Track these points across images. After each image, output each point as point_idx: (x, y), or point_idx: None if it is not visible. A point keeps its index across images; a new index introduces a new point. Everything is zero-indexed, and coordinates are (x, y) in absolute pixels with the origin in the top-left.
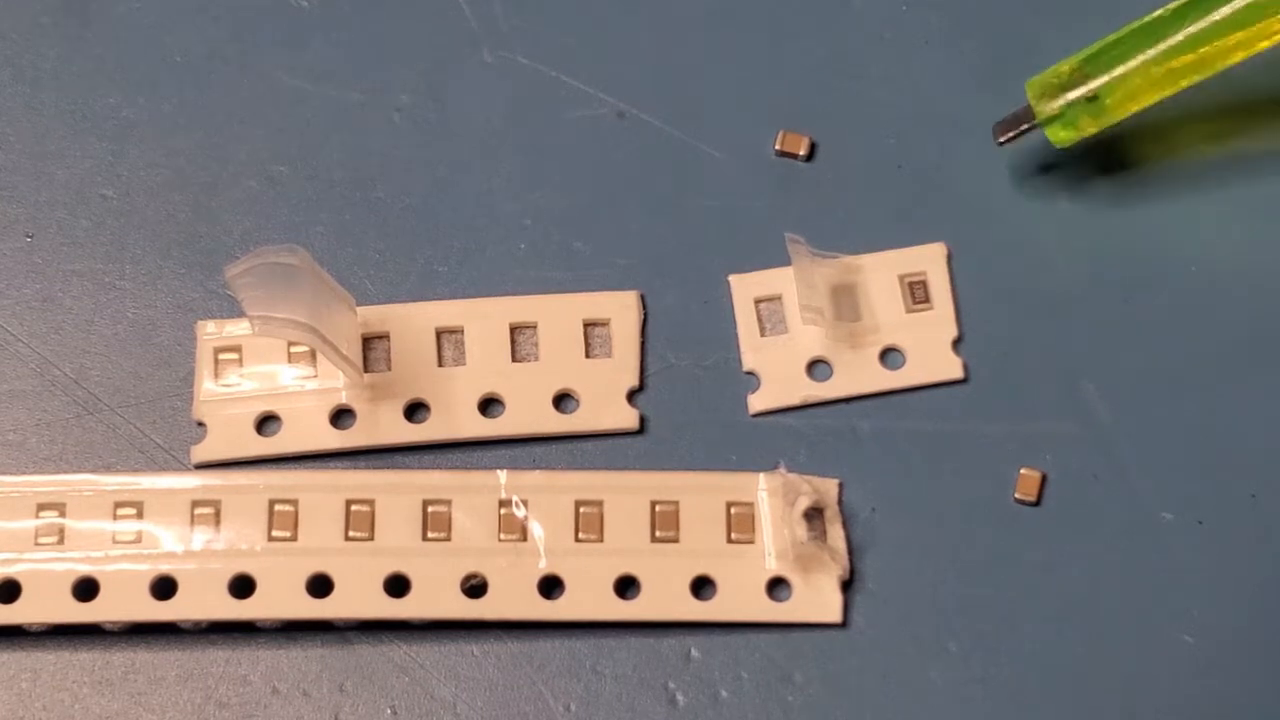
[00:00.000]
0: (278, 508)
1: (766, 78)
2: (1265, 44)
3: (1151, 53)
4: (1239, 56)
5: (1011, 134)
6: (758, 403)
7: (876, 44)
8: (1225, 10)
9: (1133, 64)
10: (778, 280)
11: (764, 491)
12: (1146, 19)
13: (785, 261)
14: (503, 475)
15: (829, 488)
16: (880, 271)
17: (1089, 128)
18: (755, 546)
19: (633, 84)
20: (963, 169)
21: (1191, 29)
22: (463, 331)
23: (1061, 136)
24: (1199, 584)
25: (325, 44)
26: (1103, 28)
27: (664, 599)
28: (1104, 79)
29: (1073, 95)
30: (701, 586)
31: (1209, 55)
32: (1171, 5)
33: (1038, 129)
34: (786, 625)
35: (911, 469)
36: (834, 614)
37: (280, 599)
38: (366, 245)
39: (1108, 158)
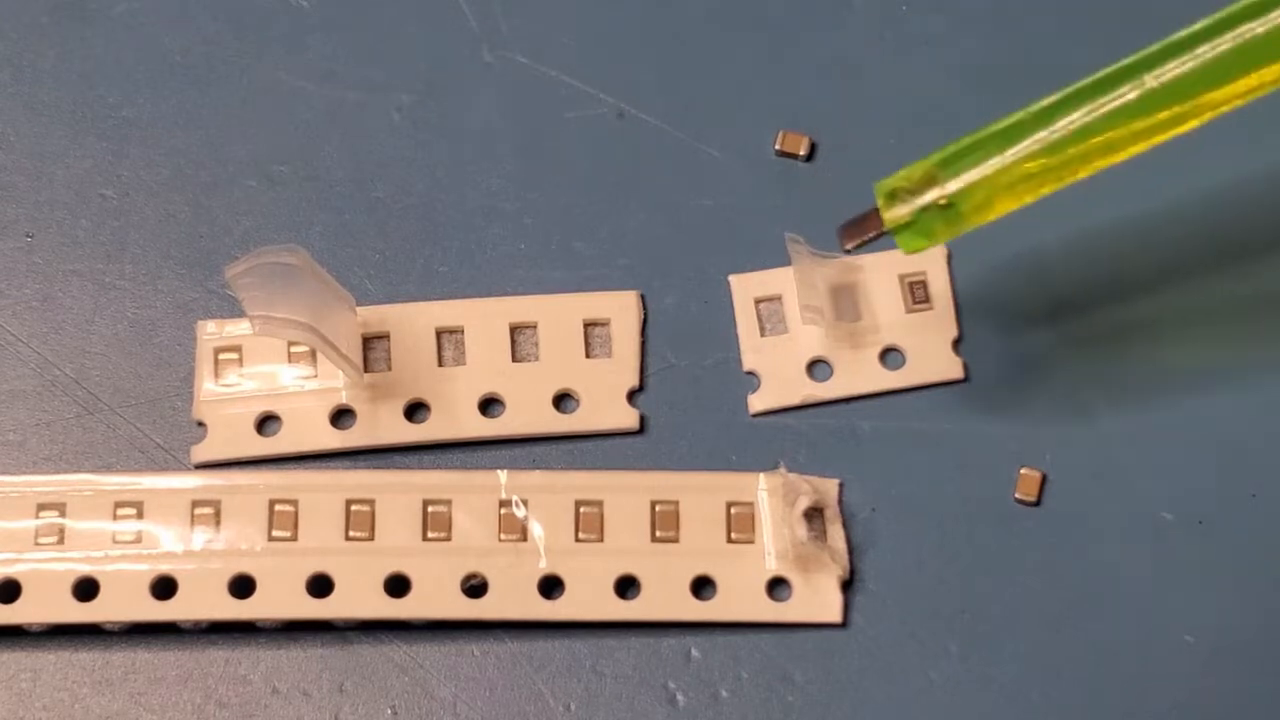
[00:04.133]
0: (278, 508)
1: (766, 78)
2: (1130, 151)
3: (1010, 156)
4: (1101, 163)
5: (858, 241)
6: (758, 403)
7: (876, 44)
8: (1087, 114)
9: (989, 168)
10: (778, 280)
11: (764, 491)
12: (1005, 122)
13: (785, 261)
14: (503, 475)
15: (829, 488)
16: (880, 271)
17: (943, 235)
18: (755, 546)
19: (633, 84)
20: None
21: (1053, 133)
22: (463, 331)
23: (912, 245)
24: (1199, 584)
25: (325, 44)
26: (1103, 28)
27: (664, 599)
28: (959, 184)
29: (925, 200)
30: (701, 586)
31: (1070, 160)
32: (1032, 108)
33: (887, 236)
34: (786, 625)
35: (911, 469)
36: (834, 614)
37: (280, 599)
38: (366, 245)
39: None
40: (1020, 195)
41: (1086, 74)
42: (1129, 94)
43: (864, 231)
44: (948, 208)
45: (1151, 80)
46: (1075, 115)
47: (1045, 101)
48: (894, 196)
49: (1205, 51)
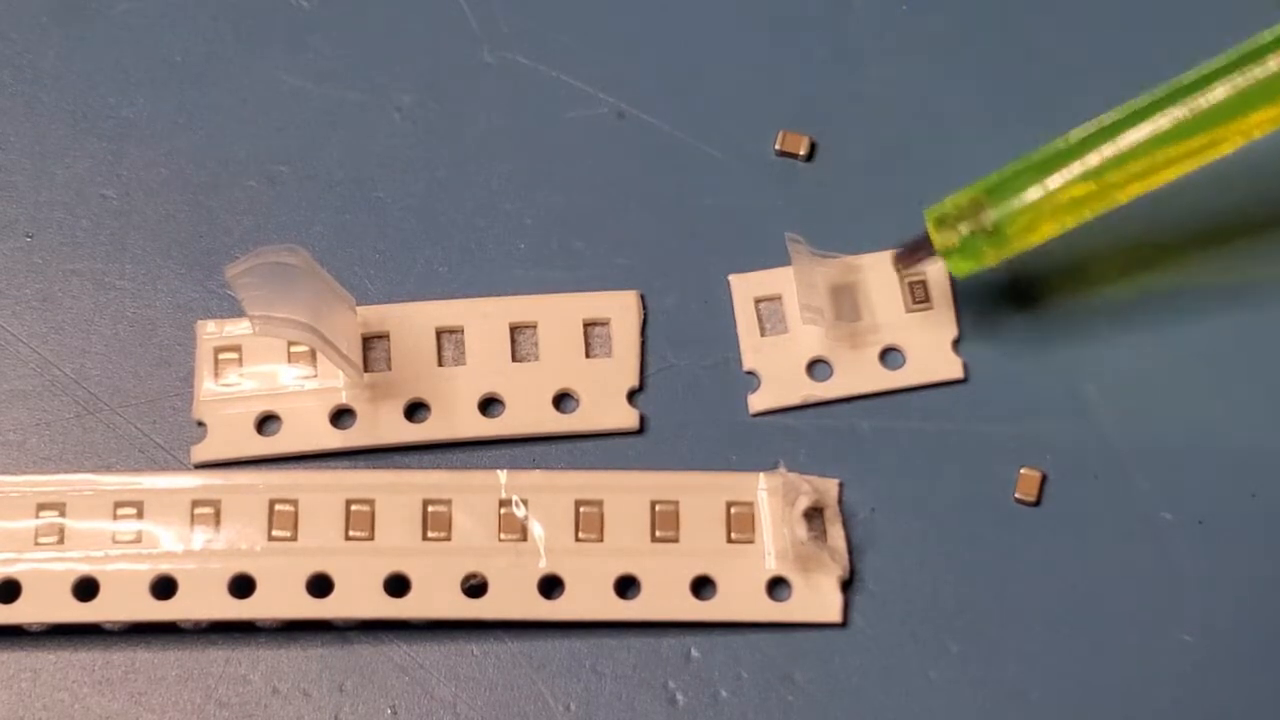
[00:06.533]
0: (278, 507)
1: (766, 78)
2: (1166, 176)
3: (1052, 184)
4: (1139, 188)
5: (911, 265)
6: (758, 403)
7: (876, 44)
8: (1125, 143)
9: (1033, 195)
10: (778, 280)
11: (764, 491)
12: (1047, 150)
13: (785, 261)
14: (503, 475)
15: (829, 488)
16: (880, 271)
17: (990, 258)
18: (755, 546)
19: (633, 84)
20: (962, 169)
21: (1091, 161)
22: (463, 331)
23: (962, 267)
24: (1199, 584)
25: (325, 44)
26: (1102, 27)
27: (664, 599)
28: (1003, 210)
29: (972, 225)
30: (701, 586)
31: (1109, 187)
32: (1072, 136)
33: (937, 258)
34: (786, 625)
35: (911, 469)
36: (834, 614)
37: (280, 599)
38: (366, 245)
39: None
40: (1063, 220)
41: (1087, 74)
42: (1164, 123)
43: (916, 256)
44: (994, 232)
45: (1184, 110)
46: (1114, 144)
47: (1085, 130)
48: (943, 222)
49: (1238, 81)
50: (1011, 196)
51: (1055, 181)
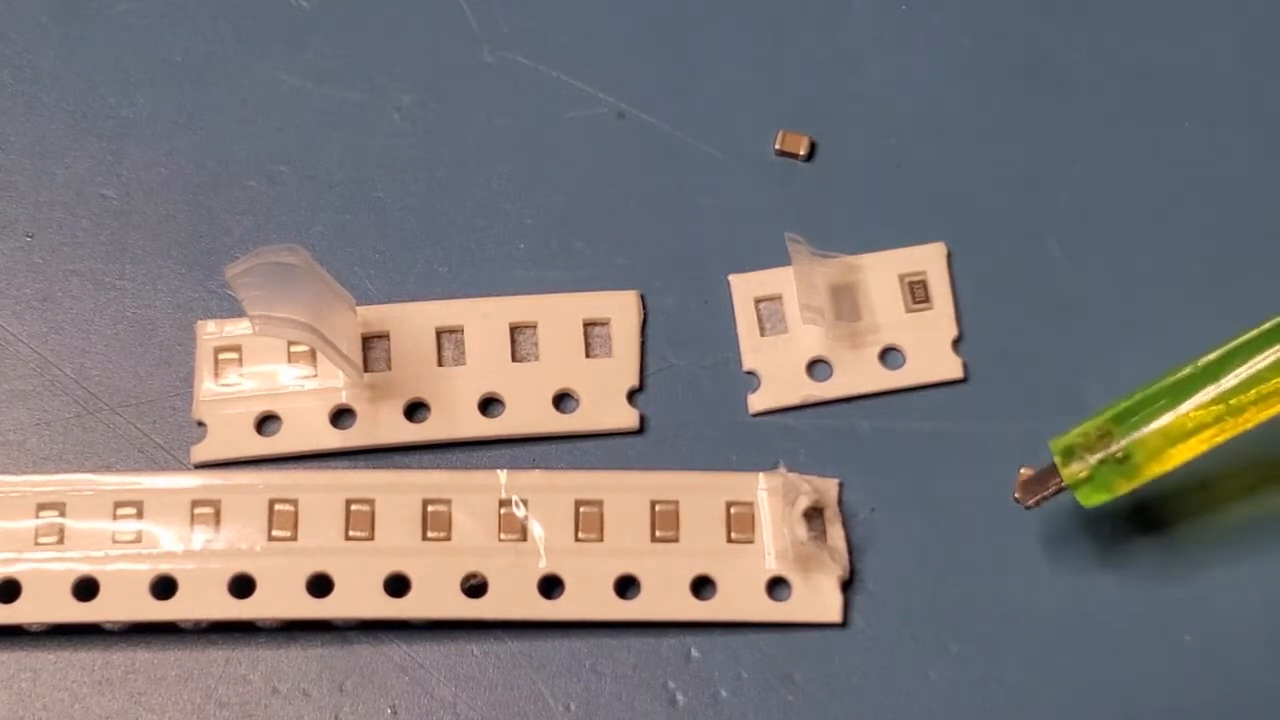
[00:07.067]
0: (278, 507)
1: (766, 78)
2: None
3: (1183, 409)
4: (1271, 411)
5: (1039, 497)
6: (758, 403)
7: (876, 44)
8: (1254, 365)
9: (1163, 421)
10: (778, 280)
11: (764, 491)
12: (1176, 375)
13: (785, 261)
14: (503, 475)
15: (829, 487)
16: (880, 271)
17: (1122, 488)
18: (755, 546)
19: (633, 84)
20: (963, 169)
21: (1223, 385)
22: (463, 331)
23: (1093, 499)
24: (1199, 585)
25: (325, 44)
26: (1101, 27)
27: (664, 599)
28: (1133, 437)
29: (1101, 455)
30: (701, 586)
31: (1239, 408)
32: (1201, 361)
33: (1066, 491)
34: (786, 625)
35: (911, 469)
36: (834, 614)
37: (280, 599)
38: (366, 245)
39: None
40: (1194, 445)
41: (1086, 74)
42: None
43: (1044, 488)
44: (1124, 460)
45: None
46: (1242, 367)
47: (1213, 355)
48: (1070, 453)
49: None
50: (1141, 423)
51: (1185, 406)
